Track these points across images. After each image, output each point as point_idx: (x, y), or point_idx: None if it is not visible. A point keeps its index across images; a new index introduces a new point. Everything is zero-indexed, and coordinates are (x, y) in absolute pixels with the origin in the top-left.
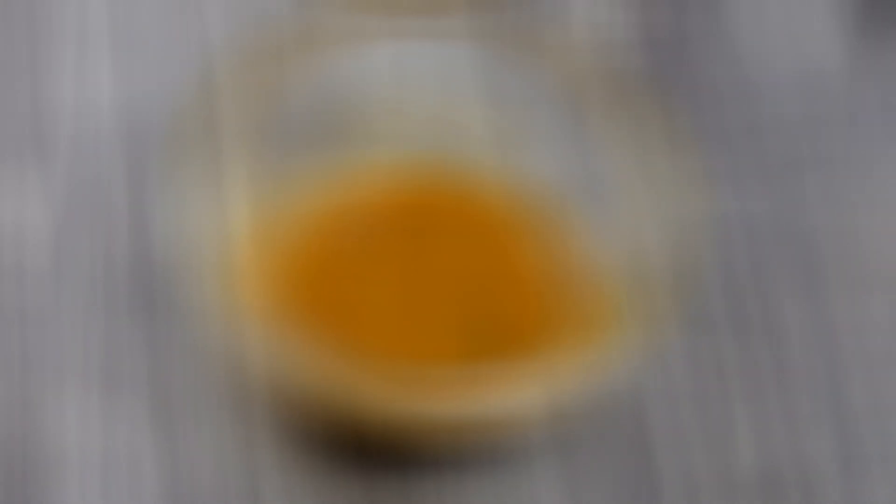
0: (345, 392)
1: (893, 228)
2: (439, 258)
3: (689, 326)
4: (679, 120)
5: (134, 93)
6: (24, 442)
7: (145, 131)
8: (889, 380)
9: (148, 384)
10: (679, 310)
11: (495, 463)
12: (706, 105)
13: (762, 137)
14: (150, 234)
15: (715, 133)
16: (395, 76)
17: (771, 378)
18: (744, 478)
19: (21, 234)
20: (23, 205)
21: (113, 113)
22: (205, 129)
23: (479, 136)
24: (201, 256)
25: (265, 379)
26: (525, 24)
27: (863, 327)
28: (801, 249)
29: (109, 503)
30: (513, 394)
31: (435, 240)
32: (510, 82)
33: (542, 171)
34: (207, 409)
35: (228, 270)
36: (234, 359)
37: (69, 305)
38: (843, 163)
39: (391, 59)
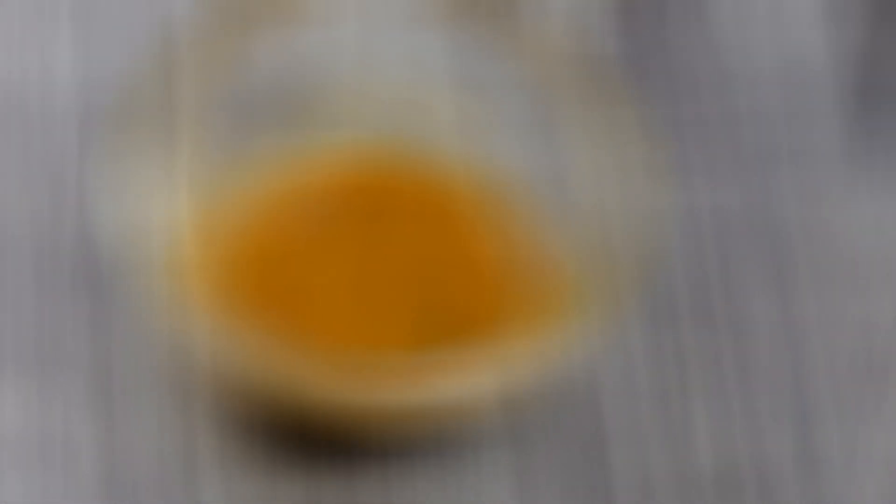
0: (288, 379)
1: (865, 224)
2: (395, 243)
3: (651, 318)
4: (652, 109)
5: (91, 67)
6: None
7: (100, 107)
8: (853, 379)
9: (89, 368)
10: (639, 300)
11: (444, 454)
12: (683, 93)
13: (738, 128)
14: (98, 215)
15: (690, 122)
16: (359, 57)
17: (733, 374)
18: (700, 475)
19: None
20: None
21: (70, 87)
22: (157, 106)
23: (444, 120)
24: (147, 240)
25: (209, 366)
26: (500, 8)
27: (829, 325)
28: (771, 244)
29: (45, 486)
30: (463, 382)
31: (391, 224)
32: (479, 67)
33: (507, 158)
34: (149, 396)
35: (174, 255)
36: (178, 345)
37: (9, 284)
38: (818, 156)
39: (357, 39)
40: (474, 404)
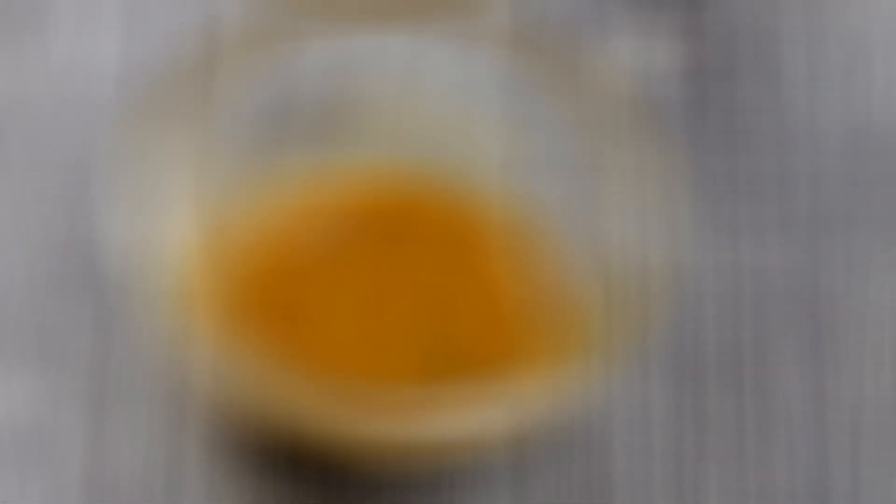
0: (284, 403)
1: None
2: (411, 270)
3: (675, 373)
4: (707, 160)
5: (134, 61)
6: None
7: (131, 104)
8: (877, 464)
9: (86, 370)
10: (663, 352)
11: (441, 490)
12: (741, 147)
13: (792, 189)
14: (108, 222)
15: (744, 178)
16: (406, 76)
17: (752, 443)
18: None
19: None
20: None
21: (111, 79)
22: (178, 113)
23: (483, 151)
24: (154, 255)
25: (206, 384)
26: (559, 38)
27: (860, 404)
28: (811, 313)
29: (25, 485)
30: (467, 419)
31: (410, 250)
32: (529, 102)
33: (540, 197)
34: (142, 406)
35: (180, 269)
36: (177, 359)
37: (19, 278)
38: (872, 227)
39: (406, 58)
40: (478, 442)
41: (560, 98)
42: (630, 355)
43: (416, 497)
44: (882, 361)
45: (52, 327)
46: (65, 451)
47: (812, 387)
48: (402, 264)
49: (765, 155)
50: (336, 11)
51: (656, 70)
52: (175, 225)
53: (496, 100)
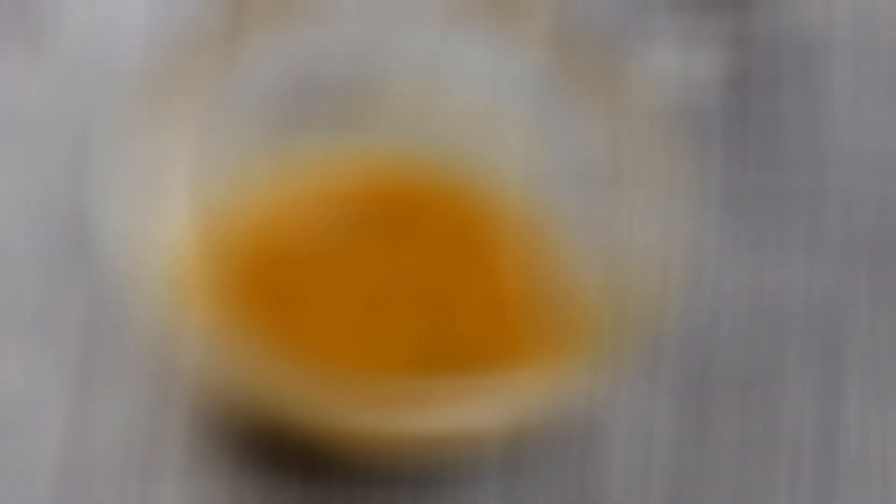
0: (270, 391)
1: None
2: (414, 260)
3: (683, 386)
4: (739, 175)
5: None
6: None
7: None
8: (883, 496)
9: (73, 341)
10: (661, 361)
11: (430, 485)
12: (774, 162)
13: (822, 209)
14: (102, 202)
15: (773, 194)
16: (425, 63)
17: (754, 465)
18: None
19: None
20: None
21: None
22: (183, 83)
23: (502, 147)
24: (147, 236)
25: (194, 366)
26: (598, 42)
27: (868, 435)
28: (828, 339)
29: (1, 447)
30: (462, 413)
31: (415, 240)
32: (553, 100)
33: (555, 199)
34: (128, 386)
35: (173, 252)
36: (166, 339)
37: (5, 248)
38: None
39: (428, 44)
40: (471, 438)
41: (590, 103)
42: (631, 359)
43: (403, 491)
44: (892, 395)
45: (45, 298)
46: (44, 422)
47: (819, 415)
48: (406, 254)
49: (799, 172)
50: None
51: (697, 78)
52: (173, 204)
53: (524, 99)
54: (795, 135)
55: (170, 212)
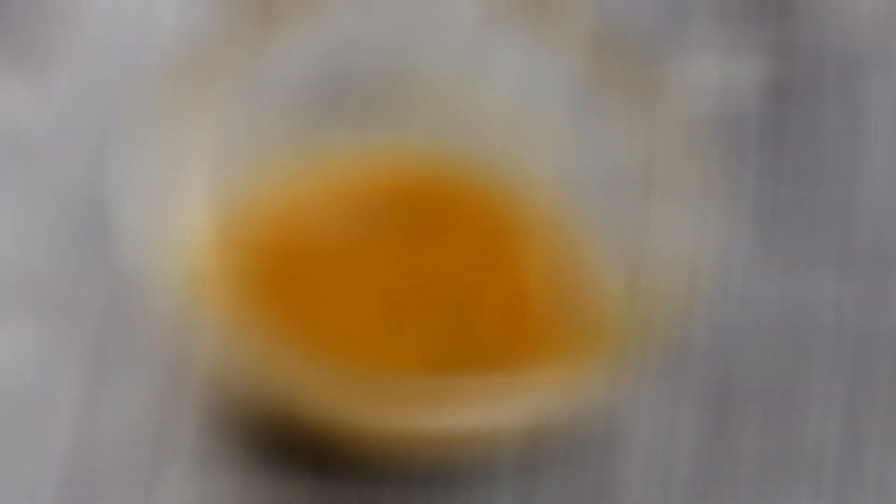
0: (283, 385)
1: None
2: (436, 259)
3: (704, 396)
4: (771, 187)
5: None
6: None
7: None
8: None
9: (89, 326)
10: (683, 371)
11: (443, 485)
12: (808, 174)
13: (855, 225)
14: (120, 182)
15: (806, 207)
16: (460, 60)
17: (774, 478)
18: None
19: None
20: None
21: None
22: (209, 72)
23: (527, 147)
24: (167, 227)
25: (209, 358)
26: (637, 49)
27: (891, 453)
28: (855, 354)
29: (11, 438)
30: (472, 413)
31: (438, 238)
32: (588, 104)
33: (578, 200)
34: (141, 368)
35: (193, 243)
36: (182, 330)
37: (26, 232)
38: None
39: (464, 41)
40: (485, 438)
41: (624, 109)
42: (651, 366)
43: (416, 492)
44: None
45: (63, 285)
46: (56, 408)
47: (842, 431)
48: (428, 252)
49: (833, 186)
50: None
51: (736, 87)
52: (193, 195)
53: (558, 101)
54: (832, 148)
55: (189, 203)
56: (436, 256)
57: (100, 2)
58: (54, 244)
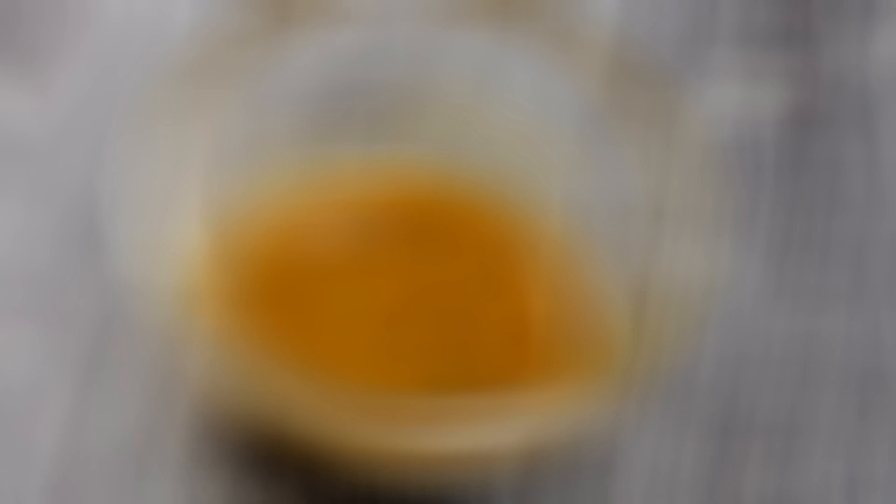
0: (274, 401)
1: None
2: (439, 276)
3: (706, 427)
4: (787, 218)
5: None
6: None
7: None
8: None
9: (83, 333)
10: (686, 401)
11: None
12: (823, 205)
13: (868, 258)
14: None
15: (819, 238)
16: (474, 75)
17: None
18: None
19: None
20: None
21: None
22: (191, 90)
23: (537, 166)
24: (157, 242)
25: (201, 371)
26: (656, 73)
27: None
28: (862, 388)
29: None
30: (469, 434)
31: (441, 254)
32: (601, 126)
33: (586, 222)
34: (133, 377)
35: (188, 257)
36: (175, 342)
37: (24, 235)
38: None
39: (479, 55)
40: (483, 459)
41: (638, 133)
42: (653, 392)
43: None
44: None
45: (56, 293)
46: (44, 416)
47: (850, 470)
48: (431, 269)
49: (848, 218)
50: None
51: (754, 114)
52: (188, 206)
53: (571, 122)
54: (848, 179)
55: (185, 213)
56: (438, 273)
57: (111, 5)
58: (50, 251)
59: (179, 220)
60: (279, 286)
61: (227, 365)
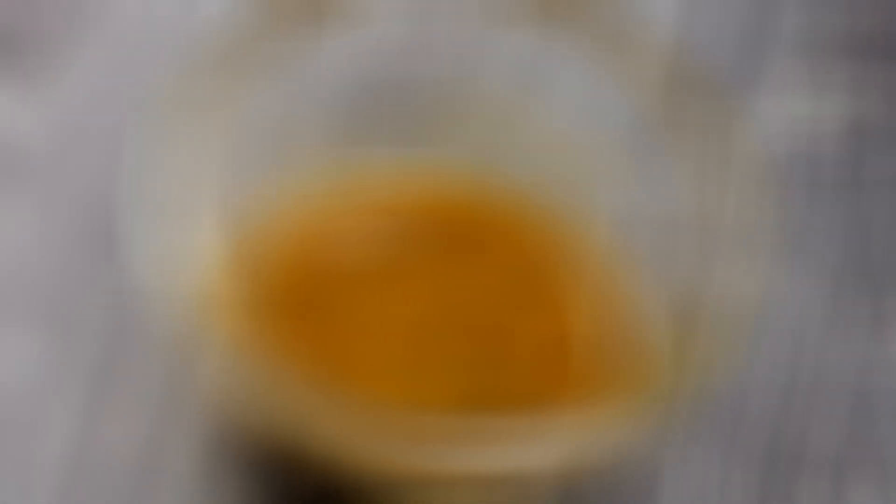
0: (290, 416)
1: None
2: (472, 288)
3: (759, 451)
4: (830, 233)
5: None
6: None
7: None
8: None
9: (95, 341)
10: (718, 426)
11: None
12: (878, 226)
13: None
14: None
15: (877, 262)
16: (519, 79)
17: None
18: None
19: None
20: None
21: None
22: (206, 94)
23: (580, 178)
24: (172, 248)
25: (216, 381)
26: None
27: None
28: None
29: (7, 442)
30: (496, 456)
31: (475, 266)
32: (649, 139)
33: (628, 236)
34: (145, 386)
35: (205, 264)
36: (188, 353)
37: (36, 244)
38: None
39: (525, 59)
40: (512, 481)
41: (687, 147)
42: (690, 414)
43: None
44: None
45: (68, 299)
46: (52, 422)
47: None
48: (465, 280)
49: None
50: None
51: (813, 127)
52: (205, 212)
53: (617, 132)
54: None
55: (203, 217)
56: (472, 285)
57: (129, 1)
58: (62, 255)
59: (198, 223)
60: (302, 294)
61: (244, 377)
